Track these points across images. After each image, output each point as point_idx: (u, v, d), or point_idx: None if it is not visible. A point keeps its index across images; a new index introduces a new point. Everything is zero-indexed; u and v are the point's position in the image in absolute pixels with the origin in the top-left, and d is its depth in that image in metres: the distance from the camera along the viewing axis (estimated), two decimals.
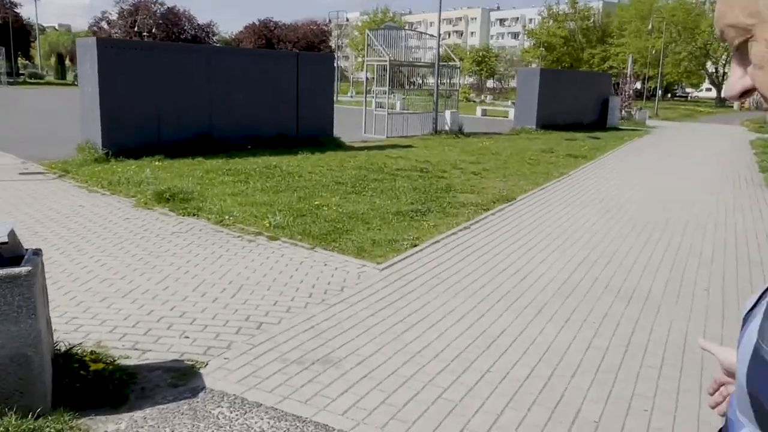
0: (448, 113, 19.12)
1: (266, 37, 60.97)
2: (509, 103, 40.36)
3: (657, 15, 55.10)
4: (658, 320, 4.65)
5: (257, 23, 63.01)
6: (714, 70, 67.68)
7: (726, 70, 67.58)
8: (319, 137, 14.69)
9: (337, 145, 14.74)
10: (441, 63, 19.60)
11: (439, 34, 18.47)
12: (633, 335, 4.35)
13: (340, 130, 15.85)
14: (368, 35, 18.89)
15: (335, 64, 21.59)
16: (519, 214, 8.30)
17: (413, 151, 14.70)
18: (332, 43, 63.66)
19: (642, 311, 4.82)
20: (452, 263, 5.90)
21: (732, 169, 13.90)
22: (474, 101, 49.91)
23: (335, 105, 16.54)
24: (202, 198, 8.23)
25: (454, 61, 20.49)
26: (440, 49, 19.27)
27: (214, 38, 64.59)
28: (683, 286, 5.46)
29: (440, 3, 18.27)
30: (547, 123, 21.95)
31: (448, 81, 20.38)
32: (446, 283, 5.33)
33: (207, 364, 3.66)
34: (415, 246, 6.41)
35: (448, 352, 3.96)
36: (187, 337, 4.02)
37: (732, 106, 62.75)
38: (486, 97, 58.60)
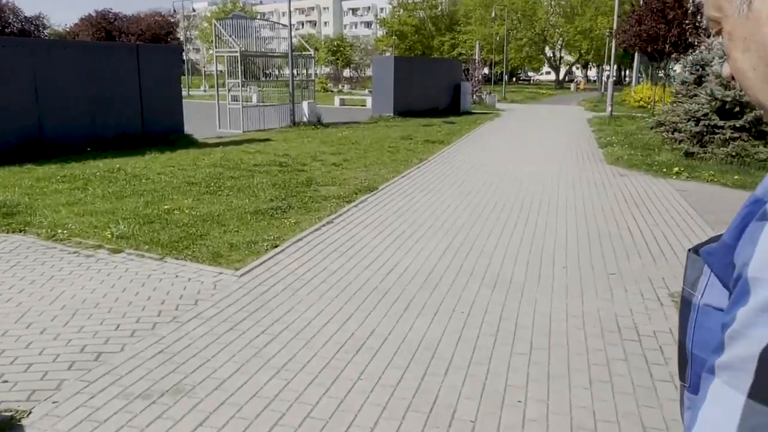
0: (305, 104, 18.73)
1: (105, 29, 56.71)
2: (366, 91, 40.63)
3: (499, 3, 58.03)
4: (523, 304, 4.66)
5: (94, 15, 58.42)
6: (552, 55, 72.62)
7: (562, 55, 72.81)
8: (168, 135, 13.75)
9: (190, 143, 13.88)
10: (295, 53, 19.14)
11: (291, 23, 17.98)
12: (501, 322, 4.31)
13: (192, 127, 14.96)
14: (215, 25, 17.99)
15: (182, 56, 20.37)
16: (382, 204, 8.18)
17: (272, 145, 14.20)
18: (180, 35, 60.62)
19: (507, 296, 4.83)
20: (316, 262, 5.61)
21: (576, 147, 14.80)
22: (332, 91, 49.76)
23: (186, 100, 15.60)
24: (30, 210, 7.28)
25: (308, 50, 20.11)
26: (293, 39, 18.79)
27: (45, 31, 59.04)
28: (543, 267, 5.56)
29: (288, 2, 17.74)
30: (404, 110, 22.25)
31: (303, 71, 19.96)
32: (311, 284, 5.03)
33: (30, 412, 3.09)
34: (276, 247, 6.05)
35: (315, 363, 3.67)
36: (6, 381, 3.40)
37: (569, 88, 67.78)
38: (344, 86, 58.64)
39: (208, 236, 6.31)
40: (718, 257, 0.63)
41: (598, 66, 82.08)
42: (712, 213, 7.81)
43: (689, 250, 0.72)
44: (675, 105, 13.96)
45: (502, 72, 54.45)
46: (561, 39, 67.28)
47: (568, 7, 63.86)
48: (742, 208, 0.60)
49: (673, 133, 13.04)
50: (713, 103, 11.35)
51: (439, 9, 78.76)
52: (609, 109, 23.73)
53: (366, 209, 7.83)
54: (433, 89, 24.70)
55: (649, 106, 27.98)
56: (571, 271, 5.47)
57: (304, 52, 20.29)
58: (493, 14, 49.35)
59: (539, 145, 15.17)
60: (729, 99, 11.03)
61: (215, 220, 6.97)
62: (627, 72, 66.27)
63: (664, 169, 10.85)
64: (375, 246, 6.16)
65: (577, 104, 36.40)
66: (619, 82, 59.03)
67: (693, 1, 18.60)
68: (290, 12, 18.13)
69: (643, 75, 38.53)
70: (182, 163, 10.98)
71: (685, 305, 0.70)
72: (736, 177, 9.94)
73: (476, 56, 38.23)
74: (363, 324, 4.25)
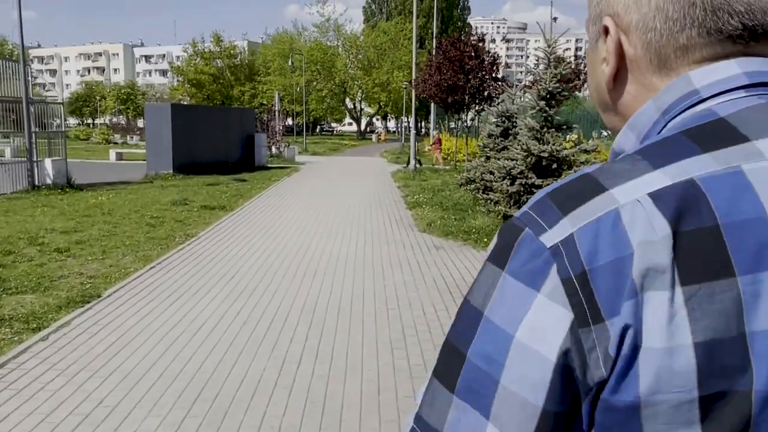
0: (48, 162, 14.77)
1: None
2: None
3: (297, 54, 57.07)
4: None
5: None
6: (352, 106, 73.37)
7: (362, 106, 73.95)
8: None
9: None
10: (35, 99, 15.20)
11: (24, 62, 14.09)
12: None
13: None
14: None
15: None
16: (98, 327, 5.16)
17: None
18: None
19: None
20: None
21: (382, 210, 12.85)
22: (116, 143, 44.39)
23: None
24: None
25: (54, 96, 16.23)
26: (32, 84, 14.90)
27: None
28: None
29: (21, 34, 13.86)
30: (186, 166, 19.03)
31: (49, 122, 15.96)
32: None
33: None
34: None
35: None
36: None
37: (371, 139, 68.66)
38: (133, 137, 53.07)
39: None
40: None
41: (396, 117, 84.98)
42: None
43: None
44: (485, 160, 12.66)
45: (305, 123, 52.99)
46: (360, 91, 68.19)
47: (365, 60, 65.00)
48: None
49: (486, 192, 11.59)
50: (529, 159, 9.99)
51: (238, 59, 76.50)
52: (412, 162, 22.65)
53: (63, 345, 4.75)
54: (222, 141, 21.81)
55: (450, 158, 27.72)
56: None
57: (48, 98, 16.33)
58: (290, 63, 47.99)
59: (340, 209, 12.99)
60: (546, 155, 9.72)
61: None
62: (423, 123, 68.71)
63: (485, 239, 9.13)
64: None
65: (380, 155, 35.75)
66: (417, 133, 60.84)
67: (489, 52, 18.09)
68: (23, 50, 14.22)
69: (440, 126, 39.18)
70: None
71: None
72: None
73: (275, 106, 36.07)
74: None
